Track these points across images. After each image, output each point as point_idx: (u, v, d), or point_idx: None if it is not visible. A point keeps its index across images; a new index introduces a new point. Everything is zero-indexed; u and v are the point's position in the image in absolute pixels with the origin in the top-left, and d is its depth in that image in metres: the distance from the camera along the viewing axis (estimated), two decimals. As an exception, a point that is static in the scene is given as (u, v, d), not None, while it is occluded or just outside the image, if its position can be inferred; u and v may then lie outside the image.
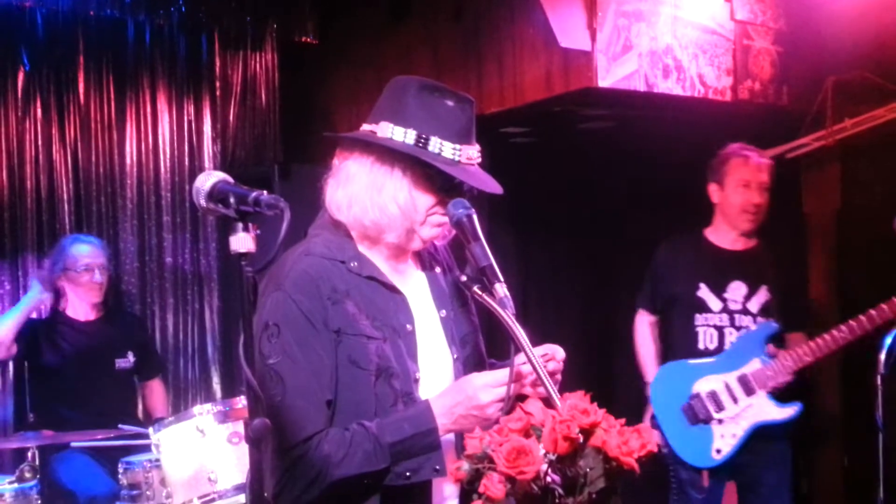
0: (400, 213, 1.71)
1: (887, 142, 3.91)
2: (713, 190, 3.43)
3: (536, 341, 1.64)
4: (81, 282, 3.89)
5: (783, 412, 3.24)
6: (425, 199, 1.72)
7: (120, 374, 3.97)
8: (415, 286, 1.83)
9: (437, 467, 1.66)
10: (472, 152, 1.72)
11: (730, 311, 3.34)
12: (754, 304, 3.34)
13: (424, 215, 1.73)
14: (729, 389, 3.25)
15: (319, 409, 1.65)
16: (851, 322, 3.10)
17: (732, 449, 3.23)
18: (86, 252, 3.92)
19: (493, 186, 1.73)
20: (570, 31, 3.64)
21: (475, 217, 1.69)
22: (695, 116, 4.13)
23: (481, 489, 1.38)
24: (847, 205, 4.17)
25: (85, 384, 3.83)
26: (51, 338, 3.87)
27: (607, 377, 4.94)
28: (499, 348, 1.76)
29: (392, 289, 1.76)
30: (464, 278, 1.72)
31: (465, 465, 1.42)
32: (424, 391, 1.74)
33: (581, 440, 1.38)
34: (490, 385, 1.64)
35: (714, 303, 3.35)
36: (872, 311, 3.07)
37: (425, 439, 1.65)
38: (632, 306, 3.65)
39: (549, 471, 1.37)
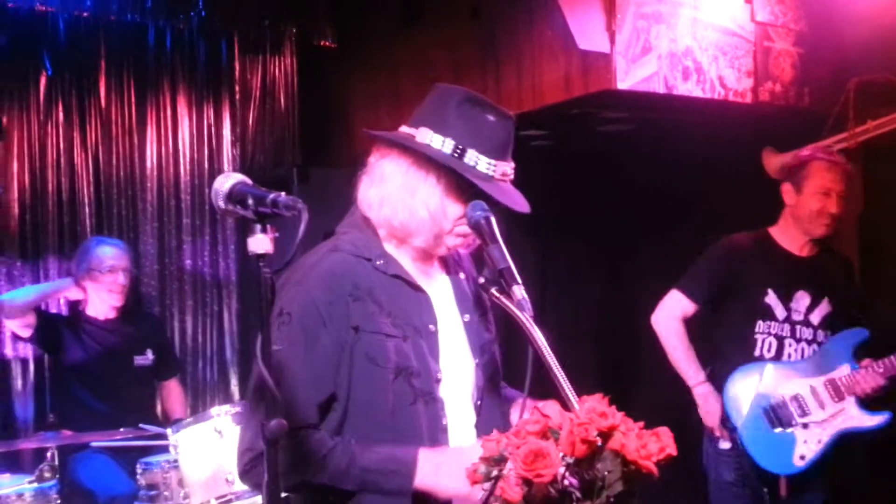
0: (429, 219, 1.72)
1: (910, 143, 3.87)
2: (787, 191, 3.21)
3: (554, 344, 1.63)
4: (104, 282, 3.93)
5: (872, 420, 3.11)
6: (455, 209, 1.73)
7: (139, 372, 4.00)
8: (439, 288, 1.83)
9: None
10: (507, 168, 1.73)
11: (792, 321, 3.17)
12: (816, 316, 3.19)
13: (452, 224, 1.74)
14: (815, 394, 3.10)
15: (309, 405, 1.65)
16: None
17: (816, 455, 3.08)
18: (110, 254, 3.96)
19: (522, 205, 1.74)
20: (588, 33, 3.63)
21: (493, 219, 1.69)
22: (715, 119, 4.09)
23: (498, 491, 1.37)
24: (870, 207, 4.12)
25: (107, 380, 3.87)
26: (74, 334, 3.91)
27: (626, 380, 4.90)
28: (514, 353, 1.75)
29: (416, 288, 1.77)
30: (482, 280, 1.72)
31: (482, 468, 1.41)
32: (446, 392, 1.74)
33: (599, 443, 1.37)
34: None
35: (780, 311, 3.17)
36: None
37: (399, 479, 1.63)
38: (651, 305, 3.37)
39: (567, 474, 1.36)
